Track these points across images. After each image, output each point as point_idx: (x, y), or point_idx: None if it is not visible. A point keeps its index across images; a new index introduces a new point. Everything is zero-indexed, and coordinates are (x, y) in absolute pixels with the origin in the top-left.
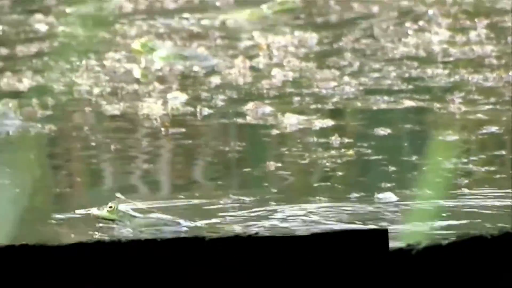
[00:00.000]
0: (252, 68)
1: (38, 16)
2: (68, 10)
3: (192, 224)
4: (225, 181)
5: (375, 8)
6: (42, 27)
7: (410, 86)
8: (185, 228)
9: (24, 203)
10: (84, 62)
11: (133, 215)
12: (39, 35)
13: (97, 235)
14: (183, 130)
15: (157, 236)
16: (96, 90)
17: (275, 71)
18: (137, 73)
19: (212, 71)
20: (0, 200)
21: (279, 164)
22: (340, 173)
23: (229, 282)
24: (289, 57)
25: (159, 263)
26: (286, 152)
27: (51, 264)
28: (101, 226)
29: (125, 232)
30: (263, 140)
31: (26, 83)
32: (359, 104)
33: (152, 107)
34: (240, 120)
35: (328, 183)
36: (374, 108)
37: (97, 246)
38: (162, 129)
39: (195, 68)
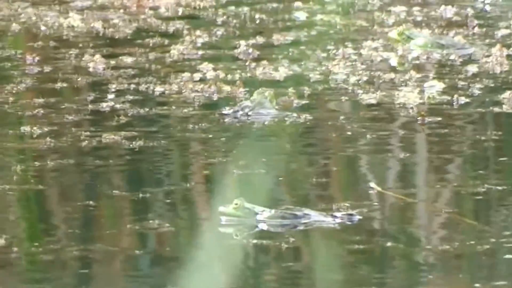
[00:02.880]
0: (509, 57)
1: (298, 4)
2: None
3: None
4: (483, 171)
5: None
6: (301, 16)
7: None
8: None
9: (278, 192)
10: (341, 50)
11: (256, 212)
12: (296, 23)
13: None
14: (439, 119)
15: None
16: (352, 79)
17: None
18: (393, 61)
19: (469, 60)
20: (254, 189)
21: None
22: None
23: None
24: None
25: None
26: None
27: None
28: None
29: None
30: None
31: (282, 72)
32: None
33: (408, 96)
34: (496, 109)
35: None
36: None
37: None
38: (418, 118)
39: (452, 57)
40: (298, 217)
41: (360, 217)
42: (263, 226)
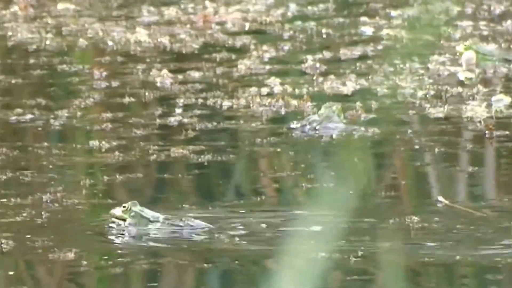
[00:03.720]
0: None
1: (364, 19)
2: (394, 13)
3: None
4: None
5: None
6: (368, 30)
7: None
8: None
9: (349, 206)
10: (408, 65)
11: (144, 217)
12: (363, 38)
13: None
14: (507, 132)
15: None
16: (420, 93)
17: None
18: (461, 76)
19: None
20: (326, 203)
21: None
22: None
23: None
24: None
25: None
26: None
27: None
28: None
29: (133, 231)
30: None
31: (349, 86)
32: None
33: (476, 110)
34: None
35: None
36: None
37: None
38: (486, 131)
39: None
40: (181, 227)
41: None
42: (150, 232)
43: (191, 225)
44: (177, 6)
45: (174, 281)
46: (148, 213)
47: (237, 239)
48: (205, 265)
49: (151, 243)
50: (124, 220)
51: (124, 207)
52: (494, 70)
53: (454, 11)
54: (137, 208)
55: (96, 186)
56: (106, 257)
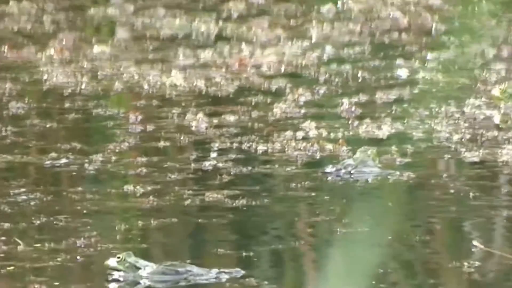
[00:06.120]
0: None
1: (400, 62)
2: (429, 55)
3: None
4: None
5: None
6: (403, 74)
7: None
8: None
9: (383, 251)
10: (443, 108)
11: (138, 267)
12: (399, 81)
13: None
14: None
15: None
16: (455, 137)
17: None
18: (496, 119)
19: None
20: (359, 247)
21: None
22: None
23: None
24: None
25: None
26: None
27: None
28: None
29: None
30: None
31: (385, 130)
32: None
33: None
34: None
35: None
36: None
37: None
38: None
39: None
40: (180, 273)
41: (243, 272)
42: (145, 282)
43: (191, 271)
44: (212, 49)
45: None
46: (142, 263)
47: (266, 282)
48: None
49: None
50: (119, 270)
51: (118, 257)
52: None
53: (490, 54)
54: (132, 259)
55: (131, 231)
56: None
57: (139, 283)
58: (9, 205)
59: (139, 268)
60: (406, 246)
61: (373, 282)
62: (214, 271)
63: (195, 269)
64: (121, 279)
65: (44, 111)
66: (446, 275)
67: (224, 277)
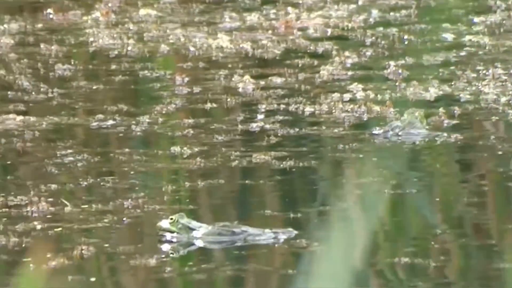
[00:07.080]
0: None
1: (445, 25)
2: (476, 19)
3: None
4: None
5: None
6: (449, 37)
7: None
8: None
9: (432, 212)
10: (490, 70)
11: (191, 228)
12: (445, 44)
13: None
14: None
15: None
16: (503, 99)
17: None
18: None
19: None
20: (407, 209)
21: None
22: None
23: None
24: None
25: None
26: None
27: None
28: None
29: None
30: None
31: (432, 92)
32: None
33: None
34: None
35: None
36: None
37: None
38: None
39: None
40: (236, 234)
41: (296, 232)
42: (199, 243)
43: (247, 232)
44: (259, 12)
45: (263, 286)
46: (195, 224)
47: (315, 243)
48: (290, 270)
49: (223, 249)
50: (171, 232)
51: (171, 219)
52: None
53: None
54: (184, 220)
55: (178, 192)
56: (190, 263)
57: (193, 244)
58: (56, 167)
59: (193, 229)
60: (455, 208)
61: (426, 243)
62: (267, 231)
63: (251, 230)
64: (174, 240)
65: (90, 73)
66: (497, 236)
67: (282, 238)
